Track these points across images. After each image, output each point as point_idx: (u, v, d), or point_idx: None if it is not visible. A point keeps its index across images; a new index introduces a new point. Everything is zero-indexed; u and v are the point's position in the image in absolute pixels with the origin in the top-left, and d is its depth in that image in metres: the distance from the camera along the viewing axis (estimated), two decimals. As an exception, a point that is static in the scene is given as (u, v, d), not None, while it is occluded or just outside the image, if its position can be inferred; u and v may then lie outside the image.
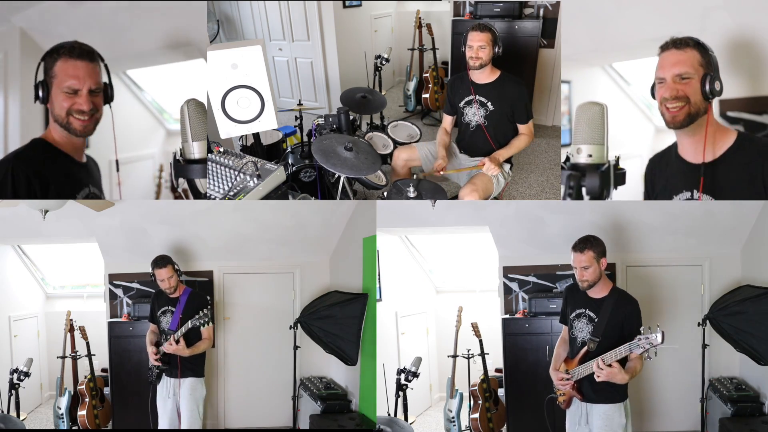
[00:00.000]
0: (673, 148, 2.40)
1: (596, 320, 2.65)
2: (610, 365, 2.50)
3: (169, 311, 3.27)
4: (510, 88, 3.19)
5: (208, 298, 3.50)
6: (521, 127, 3.24)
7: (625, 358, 2.57)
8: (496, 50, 3.14)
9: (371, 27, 5.46)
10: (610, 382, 2.55)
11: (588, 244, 2.63)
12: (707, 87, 2.19)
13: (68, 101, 2.23)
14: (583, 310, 2.70)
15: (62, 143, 2.31)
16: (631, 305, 2.66)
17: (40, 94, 2.27)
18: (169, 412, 3.26)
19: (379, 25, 5.55)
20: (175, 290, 3.28)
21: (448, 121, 3.41)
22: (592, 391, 2.65)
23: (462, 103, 3.26)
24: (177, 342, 3.15)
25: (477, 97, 3.20)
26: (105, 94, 2.31)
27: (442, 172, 3.16)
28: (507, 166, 3.32)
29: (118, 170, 2.66)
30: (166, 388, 3.28)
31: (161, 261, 3.26)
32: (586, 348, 2.64)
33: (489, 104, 3.20)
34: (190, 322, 3.15)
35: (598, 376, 2.53)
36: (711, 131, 2.28)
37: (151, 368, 3.29)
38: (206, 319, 3.15)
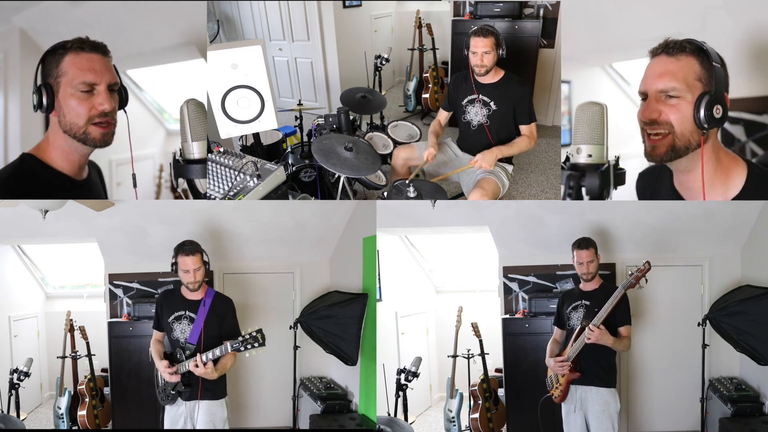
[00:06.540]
0: (666, 172, 1.99)
1: (588, 305, 2.88)
2: (599, 327, 2.72)
3: (186, 317, 2.77)
4: (513, 89, 3.19)
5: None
6: (523, 128, 3.23)
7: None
8: (500, 53, 3.13)
9: (371, 27, 5.46)
10: (604, 366, 2.80)
11: (589, 240, 2.95)
12: (701, 113, 1.63)
13: (85, 104, 1.92)
14: (579, 302, 2.93)
15: (61, 162, 2.01)
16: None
17: (44, 100, 1.92)
18: None
19: (379, 25, 5.55)
20: (198, 288, 2.78)
21: (443, 115, 3.42)
22: (589, 370, 2.81)
23: (465, 102, 3.26)
24: (206, 364, 2.58)
25: (480, 96, 3.20)
26: (120, 96, 2.06)
27: (438, 175, 3.16)
28: (510, 167, 3.32)
29: (135, 185, 2.30)
30: (179, 412, 2.76)
31: (190, 247, 2.75)
32: (579, 328, 2.82)
33: (492, 104, 3.19)
34: (229, 344, 2.57)
35: (589, 338, 2.72)
36: (711, 170, 1.78)
37: (165, 387, 2.75)
38: (257, 343, 2.53)
